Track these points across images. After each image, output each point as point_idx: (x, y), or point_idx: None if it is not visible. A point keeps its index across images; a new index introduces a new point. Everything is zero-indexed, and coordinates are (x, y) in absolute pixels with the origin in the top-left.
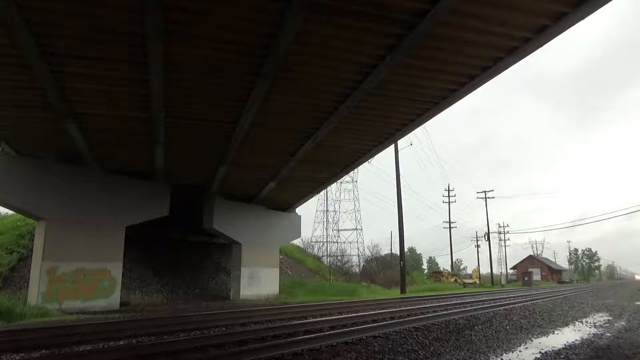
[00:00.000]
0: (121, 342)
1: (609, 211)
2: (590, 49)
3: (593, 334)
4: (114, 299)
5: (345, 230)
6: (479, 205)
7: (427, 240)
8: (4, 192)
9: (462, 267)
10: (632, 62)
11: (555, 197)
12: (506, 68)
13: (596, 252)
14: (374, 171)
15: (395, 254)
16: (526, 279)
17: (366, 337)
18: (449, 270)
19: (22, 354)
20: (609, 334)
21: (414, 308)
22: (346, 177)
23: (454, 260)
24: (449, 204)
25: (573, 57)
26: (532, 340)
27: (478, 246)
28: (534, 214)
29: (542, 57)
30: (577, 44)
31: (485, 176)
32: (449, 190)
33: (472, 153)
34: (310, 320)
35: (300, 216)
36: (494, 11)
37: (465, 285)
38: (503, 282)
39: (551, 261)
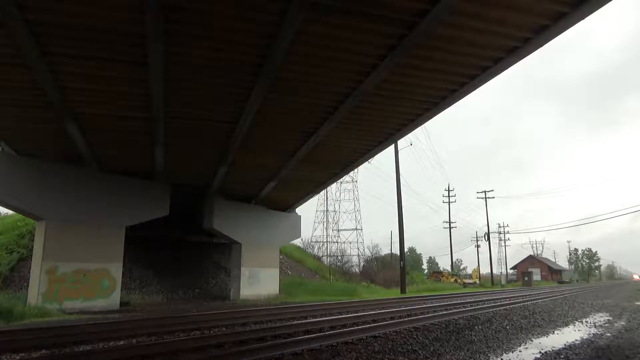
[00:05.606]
0: (121, 342)
1: (609, 211)
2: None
3: (593, 334)
4: (114, 299)
5: (345, 230)
6: (482, 205)
7: (427, 241)
8: (4, 192)
9: (462, 267)
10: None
11: (562, 197)
12: (506, 68)
13: (596, 252)
14: (374, 171)
15: (395, 254)
16: (526, 279)
17: (366, 337)
18: (449, 270)
19: (22, 354)
20: (609, 334)
21: (414, 308)
22: (346, 177)
23: (454, 260)
24: (449, 204)
25: (587, 59)
26: (532, 340)
27: (478, 246)
28: (540, 214)
29: (558, 59)
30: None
31: (492, 177)
32: (449, 190)
33: (483, 154)
34: (310, 320)
35: (300, 216)
36: (494, 11)
37: (465, 285)
38: (503, 282)
39: (551, 261)
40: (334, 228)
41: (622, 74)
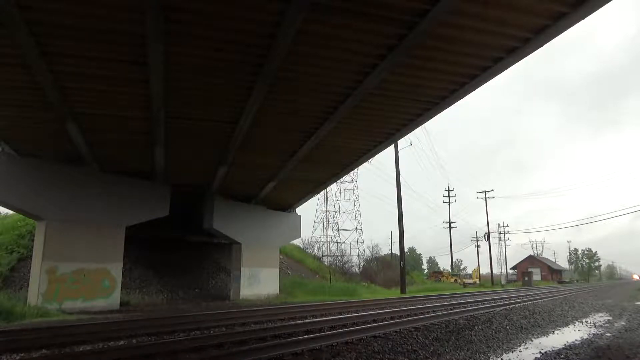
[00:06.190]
0: (121, 342)
1: (610, 211)
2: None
3: (593, 334)
4: (114, 299)
5: (345, 230)
6: (482, 205)
7: (427, 241)
8: (4, 192)
9: (462, 267)
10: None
11: (563, 197)
12: (506, 68)
13: (596, 252)
14: (374, 171)
15: (395, 254)
16: (526, 279)
17: (366, 337)
18: (449, 270)
19: (22, 354)
20: (609, 334)
21: (414, 308)
22: (346, 177)
23: (454, 260)
24: (449, 204)
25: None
26: (532, 340)
27: (478, 246)
28: (541, 214)
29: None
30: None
31: (493, 177)
32: (448, 190)
33: (483, 154)
34: (310, 320)
35: (300, 216)
36: (494, 11)
37: (465, 285)
38: (503, 282)
39: (551, 261)
40: (334, 228)
41: (622, 74)
